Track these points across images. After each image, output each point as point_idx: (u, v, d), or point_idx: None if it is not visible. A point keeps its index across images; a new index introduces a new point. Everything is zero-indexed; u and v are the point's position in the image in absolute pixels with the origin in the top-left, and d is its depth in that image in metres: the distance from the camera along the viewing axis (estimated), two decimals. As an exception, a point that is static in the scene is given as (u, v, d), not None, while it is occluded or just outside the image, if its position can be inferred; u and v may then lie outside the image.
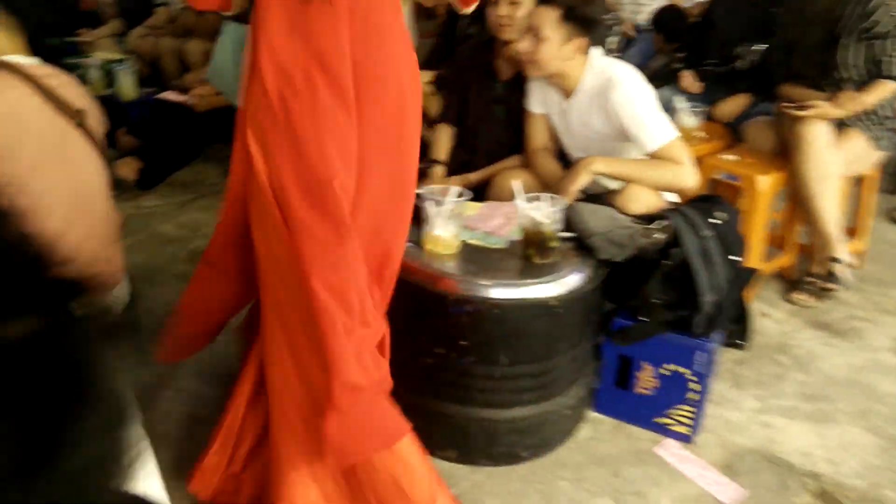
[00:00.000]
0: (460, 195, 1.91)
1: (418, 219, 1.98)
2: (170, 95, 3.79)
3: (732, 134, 3.12)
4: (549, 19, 2.14)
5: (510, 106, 2.53)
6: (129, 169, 3.46)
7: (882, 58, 2.63)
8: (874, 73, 2.66)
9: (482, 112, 2.62)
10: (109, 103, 3.99)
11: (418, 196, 2.03)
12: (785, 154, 2.77)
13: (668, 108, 2.63)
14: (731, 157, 2.83)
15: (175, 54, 4.49)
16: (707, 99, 3.25)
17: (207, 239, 2.30)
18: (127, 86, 3.94)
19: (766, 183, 2.67)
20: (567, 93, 2.28)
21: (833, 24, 2.70)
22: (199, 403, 2.10)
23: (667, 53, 3.94)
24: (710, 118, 3.17)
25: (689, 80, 3.33)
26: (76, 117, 1.68)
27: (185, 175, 3.61)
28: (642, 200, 2.13)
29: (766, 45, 3.08)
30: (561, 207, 1.91)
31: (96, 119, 1.82)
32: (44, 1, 5.08)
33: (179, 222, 3.17)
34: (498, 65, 2.57)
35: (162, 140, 3.63)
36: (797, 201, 2.79)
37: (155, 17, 4.83)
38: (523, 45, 2.21)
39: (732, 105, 3.13)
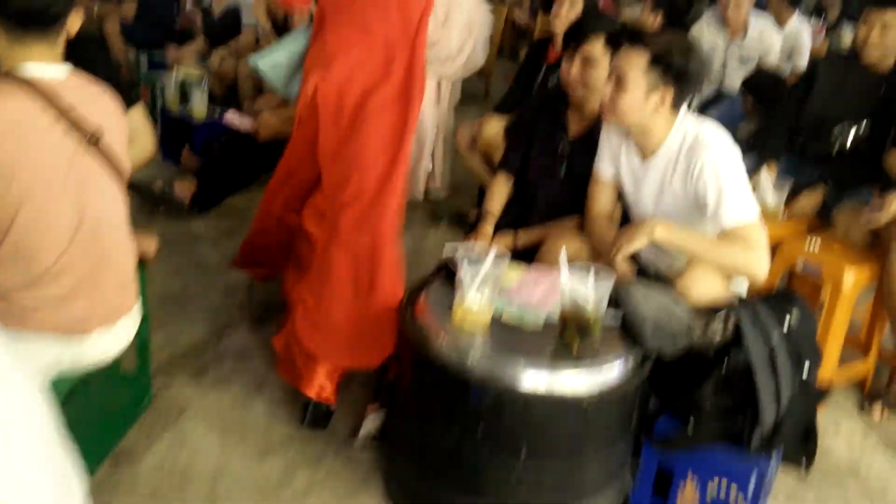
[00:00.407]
0: (499, 259, 1.74)
1: (452, 282, 1.82)
2: (233, 117, 3.74)
3: (819, 217, 2.80)
4: (636, 65, 1.93)
5: (574, 164, 2.36)
6: (183, 189, 3.41)
7: None
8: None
9: (544, 166, 2.44)
10: (180, 121, 4.01)
11: (453, 260, 1.88)
12: (878, 247, 2.47)
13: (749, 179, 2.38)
14: (813, 244, 2.53)
15: (253, 77, 4.49)
16: (796, 173, 2.96)
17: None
18: (198, 105, 3.93)
19: (853, 279, 2.38)
20: (646, 152, 2.06)
21: None
22: (197, 454, 1.97)
23: (755, 118, 3.66)
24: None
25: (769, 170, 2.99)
26: (92, 138, 1.55)
27: (239, 201, 3.54)
28: (707, 288, 1.90)
29: (868, 128, 2.78)
30: (608, 288, 1.70)
31: (122, 137, 1.68)
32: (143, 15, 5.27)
33: (223, 249, 3.07)
34: (568, 118, 2.40)
35: (220, 163, 3.58)
36: (885, 302, 2.47)
37: (240, 39, 4.85)
38: (605, 90, 2.02)
39: (810, 201, 2.82)
